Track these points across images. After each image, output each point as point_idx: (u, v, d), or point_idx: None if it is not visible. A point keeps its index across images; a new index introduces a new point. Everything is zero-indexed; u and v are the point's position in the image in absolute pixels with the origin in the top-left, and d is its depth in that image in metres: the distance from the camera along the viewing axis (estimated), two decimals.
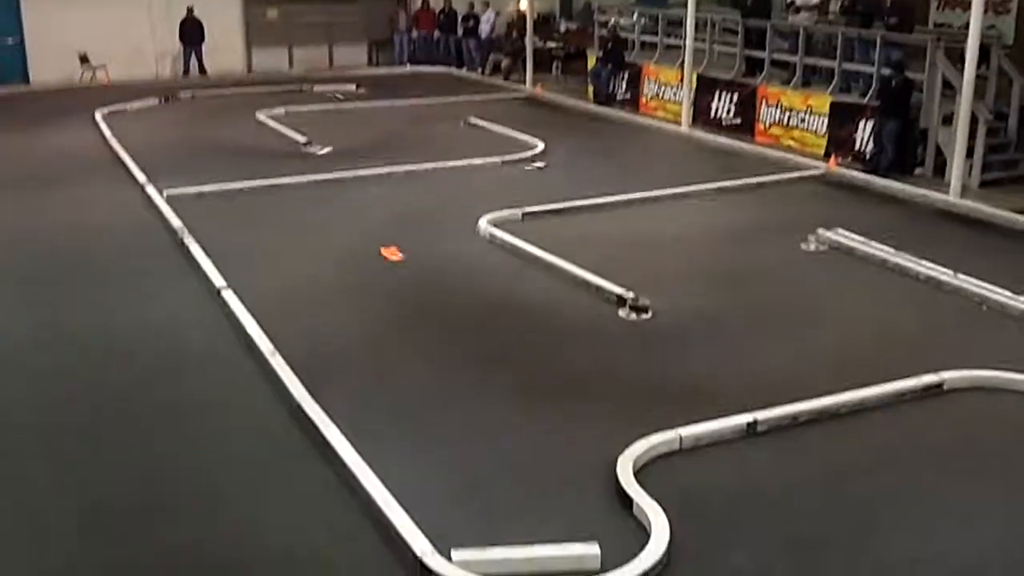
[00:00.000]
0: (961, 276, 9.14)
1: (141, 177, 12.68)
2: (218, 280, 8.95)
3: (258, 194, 12.21)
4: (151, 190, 12.07)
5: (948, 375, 7.15)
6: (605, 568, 5.07)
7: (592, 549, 5.14)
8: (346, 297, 9.02)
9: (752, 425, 6.49)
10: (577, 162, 14.27)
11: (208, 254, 9.63)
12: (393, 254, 9.33)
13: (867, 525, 5.59)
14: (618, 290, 8.77)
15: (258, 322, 7.99)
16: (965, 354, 7.56)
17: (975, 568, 5.26)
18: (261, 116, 17.15)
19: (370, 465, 5.91)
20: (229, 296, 8.59)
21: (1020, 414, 6.91)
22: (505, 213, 11.08)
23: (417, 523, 5.35)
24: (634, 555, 5.14)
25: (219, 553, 5.40)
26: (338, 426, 6.36)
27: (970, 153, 12.42)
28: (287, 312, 8.42)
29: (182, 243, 10.07)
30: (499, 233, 10.48)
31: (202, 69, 21.73)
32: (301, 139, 15.19)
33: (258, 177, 12.63)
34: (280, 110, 17.58)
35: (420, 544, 5.19)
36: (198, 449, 6.42)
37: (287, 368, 7.18)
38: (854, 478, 6.10)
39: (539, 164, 13.91)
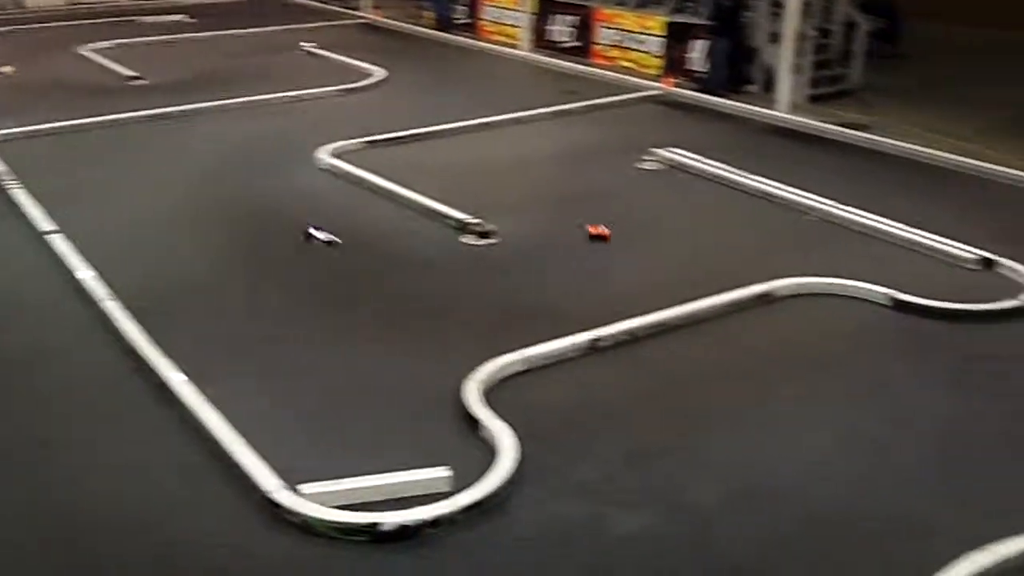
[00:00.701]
0: (788, 188, 9.51)
1: None
2: (44, 223, 8.55)
3: (83, 132, 11.64)
4: None
5: (777, 284, 7.46)
6: (457, 489, 5.14)
7: (442, 472, 5.20)
8: (181, 236, 8.75)
9: (594, 342, 6.65)
10: (417, 89, 14.12)
11: (32, 197, 9.17)
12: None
13: (704, 433, 5.84)
14: (462, 216, 8.79)
15: (89, 265, 7.68)
16: (795, 263, 7.88)
17: (807, 468, 5.54)
18: (86, 50, 16.29)
19: (213, 404, 5.81)
20: (57, 239, 8.22)
21: (845, 317, 7.28)
22: (345, 143, 10.91)
23: (264, 460, 5.30)
24: (483, 475, 5.23)
25: (54, 502, 5.23)
26: (178, 367, 6.21)
27: (798, 70, 12.85)
28: (118, 254, 8.13)
29: (3, 187, 9.55)
30: (340, 164, 10.33)
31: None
32: (128, 73, 14.53)
33: (82, 115, 12.02)
34: (106, 43, 16.73)
35: (268, 481, 5.16)
36: (32, 400, 6.17)
37: (122, 311, 6.94)
38: (692, 388, 6.34)
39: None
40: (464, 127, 11.89)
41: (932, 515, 5.12)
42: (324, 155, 10.54)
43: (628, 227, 8.97)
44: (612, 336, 6.74)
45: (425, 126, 11.66)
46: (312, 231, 8.41)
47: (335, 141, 10.86)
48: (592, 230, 8.61)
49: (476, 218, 8.69)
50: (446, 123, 11.85)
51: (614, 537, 4.93)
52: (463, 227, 8.68)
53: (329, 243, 8.31)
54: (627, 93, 13.82)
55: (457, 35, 17.96)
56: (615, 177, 10.30)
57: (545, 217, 9.17)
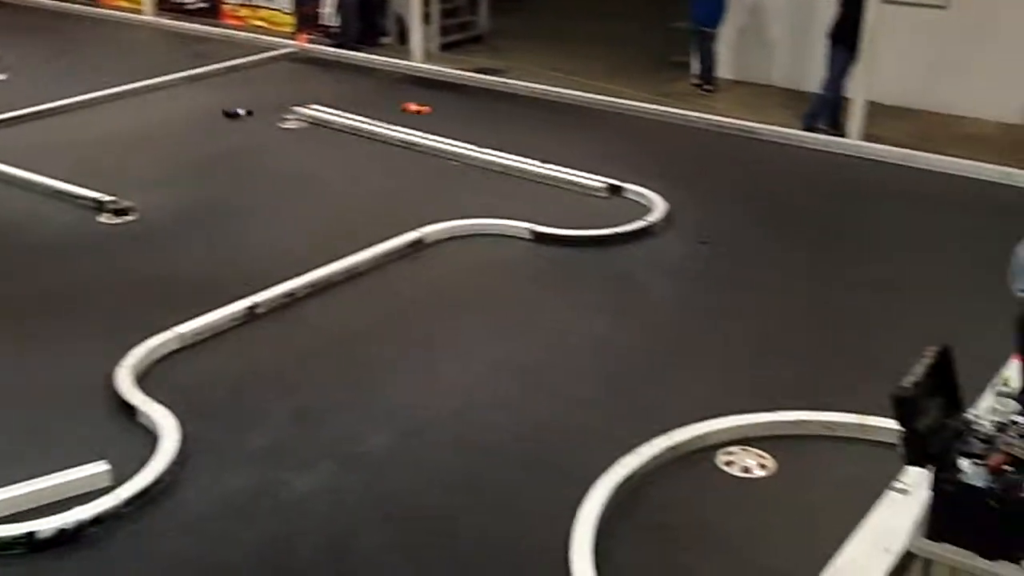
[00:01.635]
0: (430, 136, 9.75)
1: None
2: None
3: None
4: None
5: (426, 230, 7.67)
6: (119, 482, 4.91)
7: (101, 467, 4.95)
8: None
9: (251, 309, 6.55)
10: (34, 62, 13.03)
11: None
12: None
13: (370, 384, 5.93)
14: (95, 195, 8.29)
15: None
16: (442, 209, 8.10)
17: (468, 401, 5.78)
18: None
19: None
20: None
21: (492, 255, 7.61)
22: None
23: None
24: (145, 460, 5.04)
25: None
26: None
27: (427, 19, 13.10)
28: None
29: None
30: None
31: None
32: None
33: None
34: None
35: None
36: None
37: None
38: (354, 342, 6.41)
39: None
40: (91, 99, 11.12)
41: (586, 427, 5.50)
42: None
43: (275, 188, 8.85)
44: (269, 300, 6.66)
45: (45, 102, 10.79)
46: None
47: None
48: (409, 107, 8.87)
49: (111, 196, 8.23)
50: (70, 97, 11.03)
51: (290, 500, 4.92)
52: (99, 207, 8.20)
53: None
54: (261, 52, 13.49)
55: (75, 3, 16.69)
56: (257, 139, 10.08)
57: (185, 187, 8.83)
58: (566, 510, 4.67)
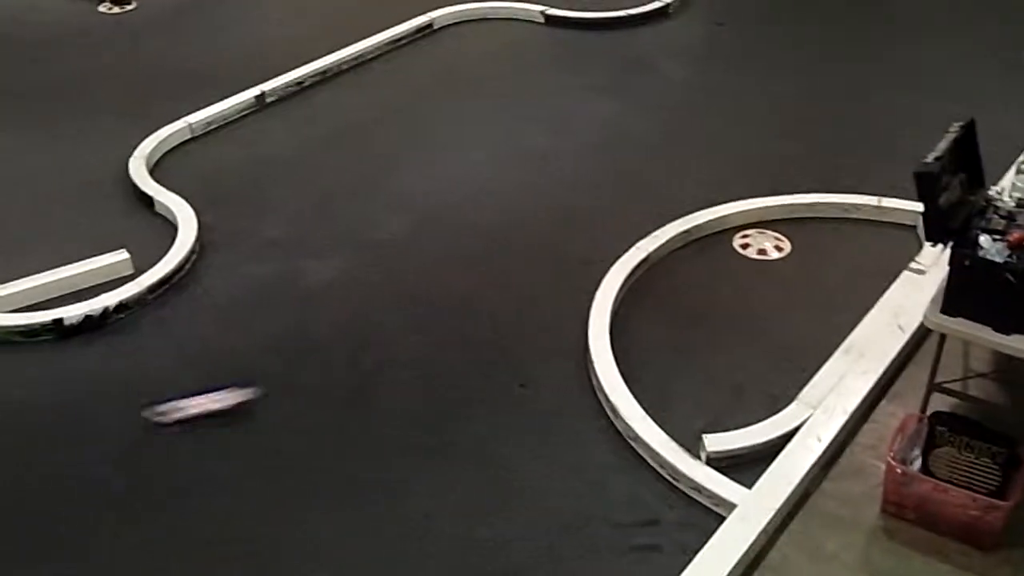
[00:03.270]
0: None
1: None
2: None
3: None
4: None
5: (436, 13, 7.46)
6: (140, 270, 4.97)
7: (121, 255, 4.99)
8: None
9: (260, 97, 6.45)
10: None
11: None
12: None
13: (386, 170, 5.90)
14: None
15: None
16: None
17: (481, 185, 5.76)
18: None
19: None
20: None
21: (504, 38, 7.43)
22: None
23: None
24: (165, 249, 5.08)
25: None
26: None
27: None
28: None
29: None
30: None
31: None
32: None
33: None
34: None
35: None
36: None
37: None
38: (366, 129, 6.33)
39: None
40: None
41: (601, 211, 5.49)
42: None
43: None
44: (278, 88, 6.56)
45: None
46: None
47: None
48: None
49: None
50: None
51: (310, 285, 4.99)
52: None
53: None
54: None
55: None
56: None
57: None
58: (582, 293, 4.72)
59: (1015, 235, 3.59)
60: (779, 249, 5.14)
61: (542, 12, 7.48)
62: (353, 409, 4.24)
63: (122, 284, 4.85)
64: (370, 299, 4.91)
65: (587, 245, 5.18)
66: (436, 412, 4.21)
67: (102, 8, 7.87)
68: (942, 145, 3.68)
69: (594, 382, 4.25)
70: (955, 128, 3.78)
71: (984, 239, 3.60)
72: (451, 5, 7.56)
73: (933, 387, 3.82)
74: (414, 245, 5.27)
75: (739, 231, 5.24)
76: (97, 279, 4.92)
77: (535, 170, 5.88)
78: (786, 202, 5.35)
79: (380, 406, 4.25)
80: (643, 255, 4.96)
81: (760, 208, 5.32)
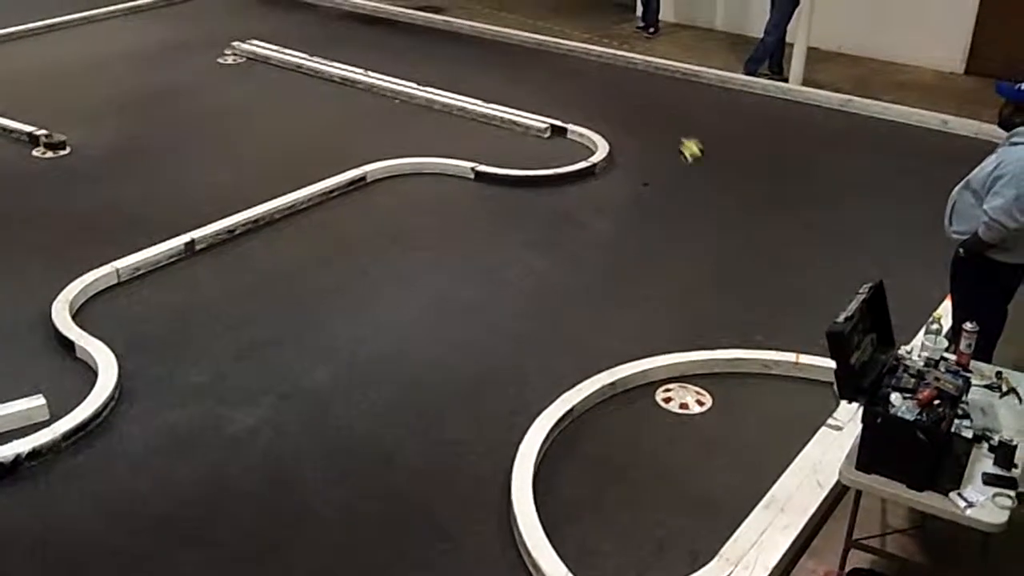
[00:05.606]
0: (372, 74, 9.63)
1: None
2: None
3: None
4: None
5: (369, 167, 7.61)
6: (56, 417, 4.86)
7: (37, 401, 4.89)
8: None
9: (190, 245, 6.47)
10: None
11: None
12: None
13: (314, 318, 5.91)
14: (29, 128, 8.11)
15: None
16: (383, 146, 8.04)
17: (408, 336, 5.80)
18: None
19: None
20: None
21: (434, 193, 7.58)
22: None
23: None
24: (83, 395, 4.99)
25: None
26: None
27: None
28: None
29: None
30: None
31: None
32: None
33: None
34: None
35: None
36: None
37: None
38: (294, 277, 6.36)
39: None
40: (25, 31, 10.82)
41: (526, 363, 5.54)
42: None
43: (215, 123, 8.69)
44: (208, 236, 6.58)
45: None
46: None
47: None
48: None
49: (45, 130, 8.05)
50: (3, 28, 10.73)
51: (232, 434, 4.92)
52: (33, 140, 8.01)
53: None
54: None
55: None
56: (195, 74, 9.88)
57: (120, 122, 8.64)
58: (506, 444, 4.73)
59: (925, 393, 3.71)
60: (700, 403, 5.22)
61: (472, 168, 7.68)
62: (265, 567, 4.14)
63: (37, 430, 4.74)
64: (291, 450, 4.84)
65: (513, 397, 5.21)
66: (354, 572, 4.12)
67: (35, 152, 7.90)
68: (853, 305, 3.83)
69: (517, 537, 4.22)
70: (865, 289, 3.94)
71: (895, 397, 3.72)
72: (383, 160, 7.73)
73: (851, 543, 3.86)
74: (338, 396, 5.24)
75: (662, 385, 5.32)
76: (11, 424, 4.80)
77: (463, 322, 5.94)
78: (707, 357, 5.46)
79: (295, 565, 4.16)
80: (567, 407, 5.00)
81: (682, 363, 5.42)
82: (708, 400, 5.23)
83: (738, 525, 4.21)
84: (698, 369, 5.41)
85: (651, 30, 11.61)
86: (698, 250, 6.83)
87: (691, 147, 6.86)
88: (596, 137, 8.34)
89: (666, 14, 11.82)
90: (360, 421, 5.07)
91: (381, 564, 4.17)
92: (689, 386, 5.32)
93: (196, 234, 6.54)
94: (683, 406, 5.20)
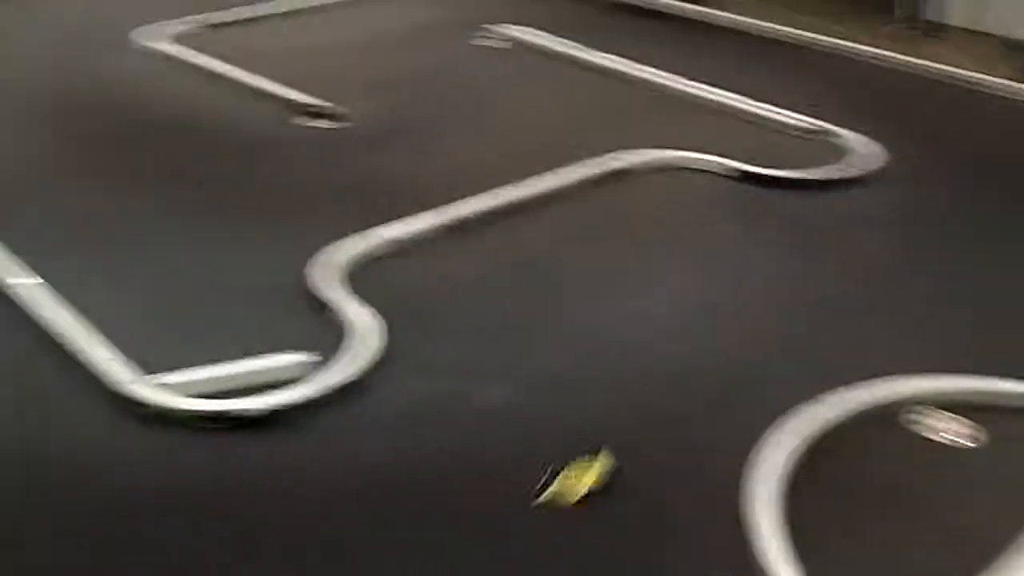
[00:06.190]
0: (634, 64, 9.56)
1: None
2: None
3: None
4: None
5: (626, 158, 7.54)
6: (315, 373, 5.07)
7: (299, 357, 5.13)
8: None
9: (449, 221, 6.62)
10: None
11: None
12: None
13: (561, 305, 5.93)
14: (304, 99, 8.52)
15: None
16: (644, 137, 7.93)
17: (655, 331, 5.70)
18: None
19: (58, 300, 5.55)
20: None
21: (693, 189, 7.44)
22: (174, 25, 10.33)
23: (116, 353, 5.13)
24: (343, 356, 5.19)
25: None
26: (16, 264, 5.92)
27: None
28: None
29: None
30: (170, 48, 9.81)
31: None
32: None
33: None
34: None
35: (120, 374, 4.99)
36: None
37: None
38: (546, 264, 6.38)
39: None
40: (293, 10, 11.35)
41: (773, 372, 5.31)
42: (148, 38, 9.97)
43: (474, 104, 8.89)
44: (467, 215, 6.71)
45: (249, 4, 11.06)
46: None
47: (164, 21, 10.28)
48: None
49: (317, 100, 8.45)
50: (274, 5, 11.26)
51: (480, 410, 4.99)
52: (304, 109, 8.43)
53: None
54: None
55: None
56: (454, 56, 10.04)
57: (385, 98, 8.89)
58: (750, 452, 4.55)
59: None
60: (965, 433, 4.85)
61: (734, 167, 7.47)
62: (488, 549, 4.19)
63: (295, 385, 4.97)
64: (534, 431, 4.88)
65: (760, 404, 4.99)
66: (578, 564, 4.09)
67: (309, 122, 8.31)
68: None
69: (754, 548, 4.05)
70: None
71: None
72: (640, 151, 7.65)
73: None
74: (582, 383, 5.23)
75: (923, 409, 4.98)
76: (270, 377, 5.05)
77: (710, 322, 5.79)
78: (978, 385, 5.07)
79: (526, 545, 4.19)
80: (817, 422, 4.77)
81: (949, 388, 5.06)
82: (975, 431, 4.86)
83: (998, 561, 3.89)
84: (966, 396, 5.03)
85: (932, 32, 10.94)
86: (973, 270, 6.36)
87: (584, 474, 4.59)
88: (866, 141, 7.93)
89: (950, 16, 11.12)
90: (601, 410, 5.03)
91: (605, 557, 4.11)
92: (953, 414, 4.95)
93: (457, 211, 6.69)
94: (945, 434, 4.86)
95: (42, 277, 5.78)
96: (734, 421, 4.94)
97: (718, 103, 8.81)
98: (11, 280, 5.79)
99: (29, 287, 5.70)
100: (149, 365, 5.06)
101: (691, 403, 5.10)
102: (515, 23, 10.69)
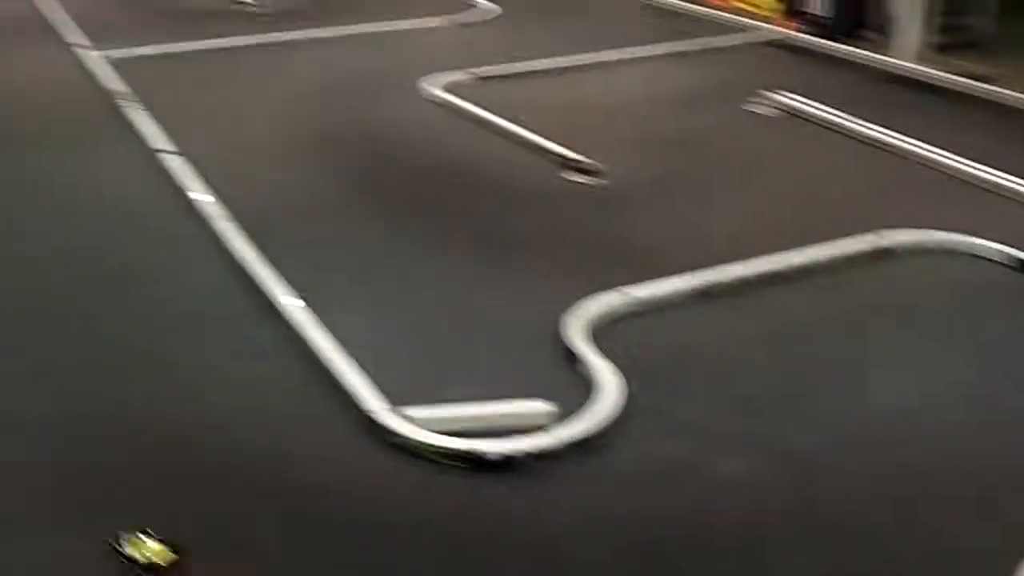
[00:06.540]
0: (910, 140, 9.19)
1: (76, 39, 12.18)
2: (160, 142, 8.74)
3: (197, 57, 11.80)
4: (87, 53, 11.61)
5: (893, 236, 7.24)
6: (559, 424, 5.13)
7: (545, 406, 5.20)
8: (290, 162, 8.87)
9: (701, 287, 6.56)
10: (527, 25, 13.94)
11: (151, 117, 9.36)
12: None
13: (813, 383, 5.74)
14: (568, 153, 8.71)
15: (203, 185, 7.84)
16: (911, 217, 7.60)
17: (914, 421, 5.41)
18: None
19: (320, 324, 5.91)
20: (172, 159, 8.40)
21: (964, 275, 7.02)
22: (455, 76, 10.86)
23: (369, 381, 5.39)
24: (586, 409, 5.23)
25: (170, 411, 5.38)
26: (287, 286, 6.33)
27: (924, 15, 12.35)
28: (229, 175, 8.22)
29: (120, 106, 9.76)
30: (449, 97, 10.30)
31: None
32: None
33: (195, 39, 12.19)
34: None
35: (372, 402, 5.23)
36: (142, 316, 6.33)
37: (235, 231, 7.08)
38: (801, 338, 6.21)
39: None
40: (572, 65, 11.67)
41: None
42: (433, 86, 10.52)
43: (737, 170, 8.81)
44: (720, 281, 6.63)
45: (531, 60, 11.48)
46: None
47: (445, 72, 10.81)
48: None
49: (581, 155, 8.62)
50: (554, 60, 11.62)
51: (716, 479, 4.90)
52: (567, 163, 8.62)
53: None
54: (737, 33, 13.44)
55: None
56: (724, 120, 10.03)
57: (650, 158, 9.00)
58: (1010, 571, 4.20)
59: None
60: None
61: (1014, 256, 7.01)
62: None
63: (539, 433, 5.05)
64: (772, 508, 4.73)
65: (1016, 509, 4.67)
66: None
67: (571, 176, 8.48)
68: None
69: None
70: None
71: None
72: (909, 230, 7.33)
73: None
74: (829, 466, 5.02)
75: None
76: (517, 422, 5.15)
77: (976, 418, 5.42)
78: None
79: None
80: None
81: None
82: None
83: None
84: None
85: None
86: None
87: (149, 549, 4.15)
88: None
89: None
90: (844, 498, 4.81)
91: None
92: None
93: (708, 276, 6.62)
94: None
95: (308, 300, 6.16)
96: (995, 534, 4.59)
97: (993, 183, 8.31)
98: (281, 300, 6.22)
99: (294, 308, 6.10)
100: (399, 396, 5.28)
101: (951, 505, 4.79)
102: (789, 90, 10.68)
